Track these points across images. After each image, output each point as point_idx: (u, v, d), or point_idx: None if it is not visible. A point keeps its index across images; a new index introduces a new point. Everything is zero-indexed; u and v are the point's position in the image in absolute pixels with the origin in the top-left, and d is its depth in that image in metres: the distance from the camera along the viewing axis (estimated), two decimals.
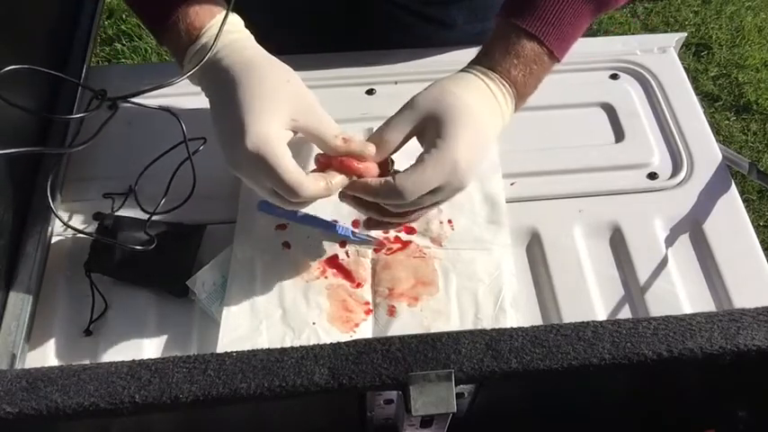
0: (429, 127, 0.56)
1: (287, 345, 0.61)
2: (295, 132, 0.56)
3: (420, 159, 0.55)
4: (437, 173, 0.55)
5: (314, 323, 0.63)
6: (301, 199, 0.55)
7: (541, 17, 0.58)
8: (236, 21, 0.60)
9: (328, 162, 0.58)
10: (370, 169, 0.57)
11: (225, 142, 0.55)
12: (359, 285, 0.66)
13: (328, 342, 0.61)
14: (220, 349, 0.61)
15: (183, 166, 0.65)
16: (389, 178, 0.55)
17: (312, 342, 0.62)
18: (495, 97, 0.59)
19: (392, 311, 0.64)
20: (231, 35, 0.58)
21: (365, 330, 0.63)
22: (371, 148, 0.57)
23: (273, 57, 0.59)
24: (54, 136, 0.74)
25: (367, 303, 0.65)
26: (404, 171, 0.56)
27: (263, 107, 0.54)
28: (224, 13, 0.58)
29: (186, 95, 0.71)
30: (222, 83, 0.56)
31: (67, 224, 0.64)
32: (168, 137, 0.66)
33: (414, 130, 0.57)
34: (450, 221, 0.69)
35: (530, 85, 0.60)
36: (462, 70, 0.61)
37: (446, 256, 0.68)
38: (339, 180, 0.56)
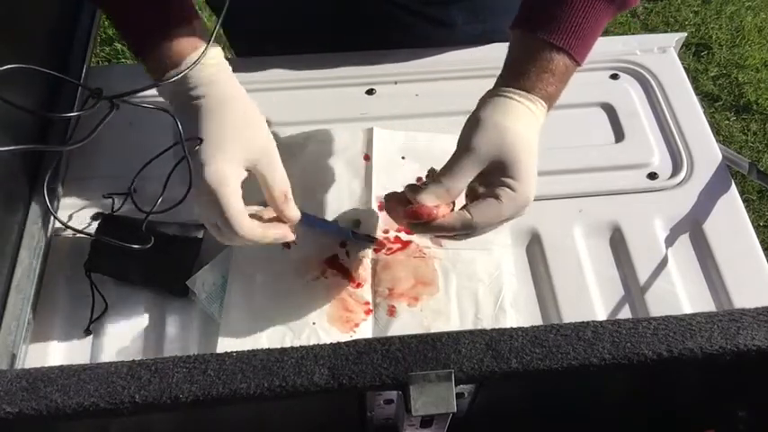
0: (494, 169, 0.56)
1: (287, 345, 0.61)
2: (249, 171, 0.58)
3: (495, 195, 0.56)
4: (511, 209, 0.56)
5: (314, 323, 0.63)
6: (237, 239, 0.57)
7: (567, 29, 0.57)
8: (215, 52, 0.60)
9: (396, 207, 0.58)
10: (444, 213, 0.57)
11: (192, 171, 0.57)
12: (359, 285, 0.66)
13: (328, 342, 0.61)
14: (220, 350, 0.62)
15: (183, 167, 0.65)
16: (465, 213, 0.56)
17: (312, 342, 0.62)
18: (537, 118, 0.59)
19: (392, 311, 0.64)
20: (209, 68, 0.58)
21: (365, 330, 0.63)
22: (295, 219, 0.60)
23: (242, 92, 0.60)
24: (54, 135, 0.74)
25: (367, 303, 0.65)
26: (478, 206, 0.56)
27: (219, 147, 0.56)
28: (201, 48, 0.58)
29: None
30: (190, 114, 0.58)
31: (67, 225, 0.64)
32: (170, 137, 0.66)
33: (478, 175, 0.57)
34: None
35: (559, 95, 0.60)
36: (503, 95, 0.58)
37: (446, 256, 0.68)
38: (277, 235, 0.59)
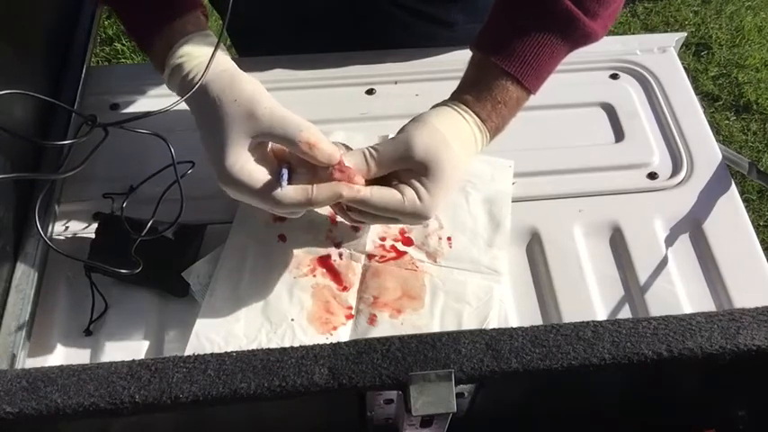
0: (419, 168, 0.59)
1: (262, 336, 0.62)
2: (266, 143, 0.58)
3: (401, 191, 0.58)
4: (408, 212, 0.59)
5: (292, 319, 0.63)
6: (286, 209, 0.57)
7: (522, 59, 0.61)
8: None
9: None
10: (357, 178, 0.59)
11: (211, 166, 0.58)
12: (345, 289, 0.65)
13: (304, 340, 0.61)
14: (197, 328, 0.62)
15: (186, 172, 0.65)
16: (368, 188, 0.58)
17: (287, 338, 0.62)
18: (477, 145, 0.62)
19: (372, 320, 0.63)
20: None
21: (342, 335, 0.63)
22: (335, 157, 0.57)
23: (228, 66, 0.59)
24: (50, 155, 0.73)
25: (350, 308, 0.64)
26: (382, 189, 0.59)
27: (222, 141, 0.56)
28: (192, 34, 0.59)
29: (177, 118, 0.71)
30: (195, 111, 0.59)
31: (59, 250, 0.62)
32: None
33: (403, 168, 0.60)
34: (449, 239, 0.68)
35: (506, 125, 0.64)
36: (455, 108, 0.62)
37: (438, 273, 0.66)
38: (324, 194, 0.57)
